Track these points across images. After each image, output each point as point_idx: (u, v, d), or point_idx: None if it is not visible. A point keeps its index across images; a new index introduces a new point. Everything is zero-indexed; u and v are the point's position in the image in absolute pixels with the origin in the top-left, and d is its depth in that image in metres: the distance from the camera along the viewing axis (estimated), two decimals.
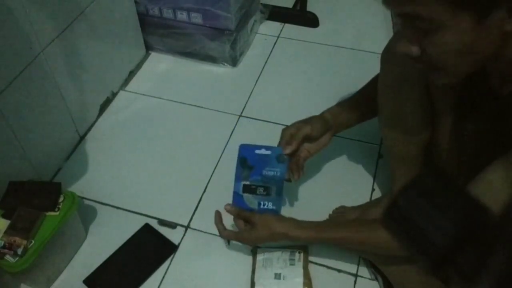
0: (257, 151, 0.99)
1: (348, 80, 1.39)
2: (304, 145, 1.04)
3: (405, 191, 0.69)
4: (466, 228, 0.59)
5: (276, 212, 0.97)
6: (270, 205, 0.98)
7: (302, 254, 1.07)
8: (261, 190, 0.98)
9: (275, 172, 0.99)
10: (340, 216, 1.14)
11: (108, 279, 1.09)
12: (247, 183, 0.99)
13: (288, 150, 0.99)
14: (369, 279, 1.07)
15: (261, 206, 0.98)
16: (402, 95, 0.91)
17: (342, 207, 1.17)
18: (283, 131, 1.02)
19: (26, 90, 1.12)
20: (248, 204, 0.98)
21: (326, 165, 1.30)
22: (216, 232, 1.01)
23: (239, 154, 1.00)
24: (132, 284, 1.08)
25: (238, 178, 1.00)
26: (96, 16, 1.32)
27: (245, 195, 0.99)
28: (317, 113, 1.08)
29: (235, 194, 0.99)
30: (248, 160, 1.00)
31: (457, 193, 0.66)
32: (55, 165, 1.31)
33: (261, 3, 1.74)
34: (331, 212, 1.18)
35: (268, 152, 0.99)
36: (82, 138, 1.39)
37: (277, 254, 1.07)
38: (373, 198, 1.22)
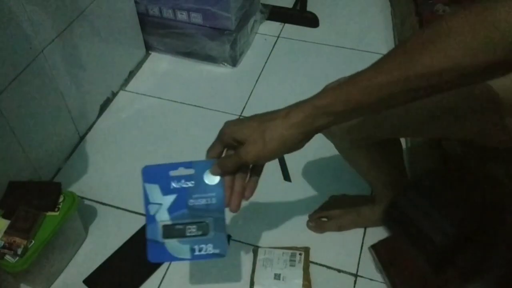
0: (172, 173, 0.66)
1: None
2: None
3: (405, 191, 0.69)
4: (466, 228, 0.59)
5: (221, 257, 0.65)
6: (210, 249, 0.65)
7: (303, 255, 1.07)
8: (192, 229, 0.66)
9: (209, 199, 0.66)
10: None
11: (108, 279, 1.08)
12: (168, 222, 0.65)
13: (213, 155, 0.66)
14: (369, 279, 1.07)
15: (197, 253, 0.65)
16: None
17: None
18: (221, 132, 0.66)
19: (26, 90, 1.12)
20: (176, 254, 0.65)
21: (325, 165, 1.30)
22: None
23: (144, 184, 0.67)
24: (132, 284, 1.07)
25: (150, 219, 0.66)
26: (96, 16, 1.32)
27: (169, 241, 0.65)
28: None
29: (151, 243, 0.65)
30: (161, 188, 0.66)
31: (457, 194, 0.66)
32: (55, 165, 1.31)
33: (261, 3, 1.74)
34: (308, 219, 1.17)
35: (191, 171, 0.66)
36: (82, 138, 1.39)
37: (277, 254, 1.07)
38: None
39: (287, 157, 1.34)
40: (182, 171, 0.66)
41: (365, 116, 0.78)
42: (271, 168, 1.26)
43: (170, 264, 1.11)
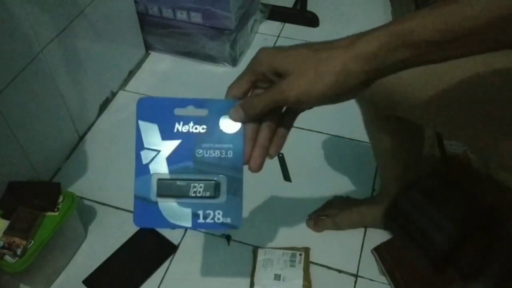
0: (178, 111, 0.50)
1: None
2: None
3: (406, 192, 0.69)
4: (467, 229, 0.59)
5: (232, 228, 0.50)
6: (219, 217, 0.50)
7: (303, 256, 1.07)
8: (197, 188, 0.50)
9: (223, 152, 0.50)
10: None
11: (107, 279, 1.08)
12: (165, 176, 0.50)
13: (237, 94, 0.50)
14: (370, 279, 1.07)
15: (200, 220, 0.50)
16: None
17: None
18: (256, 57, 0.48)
19: (26, 90, 1.12)
20: (172, 220, 0.50)
21: (325, 165, 1.29)
22: (216, 232, 1.01)
23: (138, 122, 0.51)
24: (132, 284, 1.07)
25: (142, 169, 0.50)
26: (96, 16, 1.32)
27: (164, 201, 0.49)
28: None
29: (140, 202, 0.50)
30: (161, 130, 0.50)
31: (458, 194, 0.66)
32: (55, 165, 1.30)
33: (261, 3, 1.73)
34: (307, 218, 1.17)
35: (203, 112, 0.50)
36: (81, 138, 1.39)
37: (278, 254, 1.07)
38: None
39: (287, 157, 1.34)
40: (191, 111, 0.51)
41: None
42: (271, 168, 1.26)
43: (170, 264, 1.11)
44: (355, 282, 1.07)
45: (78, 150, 1.36)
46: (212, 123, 0.50)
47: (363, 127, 0.96)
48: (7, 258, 0.94)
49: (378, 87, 0.74)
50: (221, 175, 0.50)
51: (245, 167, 0.50)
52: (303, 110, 0.50)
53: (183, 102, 0.50)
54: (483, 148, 0.73)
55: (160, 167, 0.50)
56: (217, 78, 1.58)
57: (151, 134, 0.50)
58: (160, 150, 0.50)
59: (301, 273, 1.04)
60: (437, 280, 0.62)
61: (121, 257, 1.11)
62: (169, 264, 1.11)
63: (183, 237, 1.15)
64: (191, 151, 0.50)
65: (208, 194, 0.50)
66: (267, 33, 1.74)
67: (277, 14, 1.77)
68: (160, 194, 0.49)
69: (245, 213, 1.17)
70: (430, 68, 0.54)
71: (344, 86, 0.44)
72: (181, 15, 1.53)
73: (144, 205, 0.50)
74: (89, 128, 1.42)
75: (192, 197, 0.50)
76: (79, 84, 1.33)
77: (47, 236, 0.98)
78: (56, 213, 1.01)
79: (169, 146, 0.50)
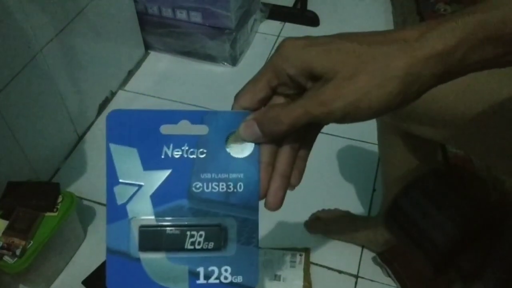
0: (166, 128, 0.36)
1: None
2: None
3: (406, 192, 0.69)
4: (467, 229, 0.58)
5: None
6: (227, 275, 0.36)
7: (303, 256, 1.06)
8: (196, 237, 0.36)
9: (231, 184, 0.37)
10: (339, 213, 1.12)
11: None
12: (149, 221, 0.36)
13: (249, 103, 0.36)
14: (370, 280, 1.07)
15: (201, 281, 0.36)
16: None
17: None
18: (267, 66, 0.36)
19: (25, 89, 1.11)
20: (160, 282, 0.36)
21: (325, 165, 1.29)
22: None
23: (108, 145, 0.36)
24: None
25: (116, 212, 0.36)
26: (95, 15, 1.31)
27: (149, 257, 0.36)
28: None
29: (114, 257, 0.36)
30: (141, 157, 0.36)
31: (459, 194, 0.66)
32: (54, 165, 1.30)
33: (261, 2, 1.73)
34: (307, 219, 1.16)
35: (202, 129, 0.36)
36: (80, 138, 1.39)
37: (278, 255, 1.07)
38: (374, 199, 1.22)
39: None
40: (185, 127, 0.36)
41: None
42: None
43: None
44: (356, 283, 1.07)
45: (78, 150, 1.36)
46: (214, 144, 0.36)
47: (364, 127, 0.96)
48: (6, 258, 0.94)
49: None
50: (228, 217, 0.36)
51: (261, 204, 0.37)
52: (328, 123, 0.35)
53: (174, 116, 0.36)
54: (495, 163, 0.70)
55: (141, 209, 0.36)
56: (217, 77, 1.57)
57: (129, 162, 0.36)
58: (141, 185, 0.36)
59: (301, 273, 1.03)
60: (433, 278, 0.61)
61: None
62: None
63: None
64: (186, 185, 0.36)
65: (211, 245, 0.36)
66: (267, 33, 1.74)
67: (277, 13, 1.77)
68: (143, 247, 0.35)
69: None
70: (458, 82, 0.51)
71: (409, 95, 0.32)
72: (181, 15, 1.53)
73: (121, 262, 0.36)
74: (88, 128, 1.42)
75: (189, 250, 0.36)
76: (78, 84, 1.32)
77: (46, 236, 0.97)
78: (55, 214, 1.01)
79: (155, 178, 0.36)
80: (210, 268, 0.36)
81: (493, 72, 0.46)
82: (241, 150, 0.36)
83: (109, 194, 0.36)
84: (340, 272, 1.08)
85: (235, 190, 0.36)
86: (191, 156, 0.36)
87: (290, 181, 0.38)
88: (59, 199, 1.03)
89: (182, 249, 0.36)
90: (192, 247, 0.36)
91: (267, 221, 1.17)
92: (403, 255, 1.03)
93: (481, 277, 0.59)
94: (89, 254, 1.12)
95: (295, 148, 0.37)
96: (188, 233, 0.36)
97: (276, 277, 1.03)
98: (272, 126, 0.34)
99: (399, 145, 0.85)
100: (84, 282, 1.07)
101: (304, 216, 1.17)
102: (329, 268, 1.09)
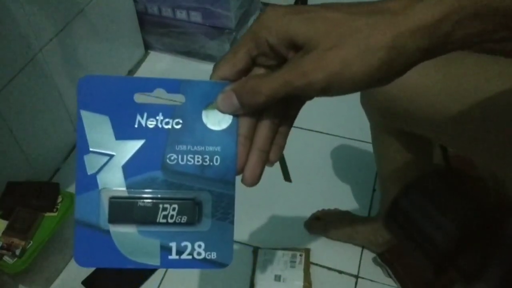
0: (140, 97, 0.35)
1: None
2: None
3: (406, 192, 0.68)
4: (468, 229, 0.58)
5: (219, 267, 0.35)
6: (201, 251, 0.35)
7: (303, 257, 1.06)
8: (169, 210, 0.35)
9: (207, 157, 0.35)
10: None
11: (107, 280, 1.08)
12: (120, 193, 0.34)
13: (228, 74, 0.35)
14: (371, 280, 1.06)
15: (173, 256, 0.35)
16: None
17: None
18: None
19: (24, 89, 1.11)
20: (131, 256, 0.34)
21: (325, 165, 1.29)
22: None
23: (79, 112, 0.34)
24: (131, 285, 1.07)
25: (85, 181, 0.34)
26: (95, 15, 1.31)
27: (119, 230, 0.34)
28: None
29: (83, 229, 0.34)
30: (113, 125, 0.34)
31: (459, 194, 0.66)
32: (54, 165, 1.30)
33: (261, 2, 1.73)
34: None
35: (177, 98, 0.35)
36: None
37: (278, 255, 1.06)
38: (374, 199, 1.22)
39: (287, 156, 1.33)
40: (160, 95, 0.38)
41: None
42: (271, 167, 1.25)
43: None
44: (356, 283, 1.06)
45: None
46: (190, 115, 0.35)
47: (364, 127, 0.96)
48: (6, 258, 0.94)
49: (391, 100, 0.72)
50: (203, 192, 0.35)
51: (237, 180, 0.35)
52: (311, 98, 0.35)
53: (148, 84, 0.34)
54: (493, 165, 0.71)
55: (112, 179, 0.34)
56: None
57: (100, 130, 0.34)
58: (113, 155, 0.34)
59: (302, 274, 1.03)
60: (433, 279, 0.61)
61: None
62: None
63: None
64: (160, 156, 0.34)
65: (184, 219, 0.34)
66: None
67: None
68: (113, 220, 0.34)
69: (245, 214, 1.17)
70: (446, 81, 0.50)
71: (393, 68, 0.30)
72: (181, 14, 1.53)
73: (89, 235, 0.34)
74: None
75: (162, 224, 0.34)
76: None
77: (46, 236, 0.97)
78: (55, 214, 1.01)
79: (127, 148, 0.34)
80: (183, 244, 0.35)
81: (483, 71, 0.45)
82: (219, 122, 0.35)
83: (79, 163, 0.34)
84: (340, 272, 1.08)
85: (211, 164, 0.35)
86: (166, 127, 0.34)
87: (269, 157, 0.36)
88: (59, 199, 1.03)
89: (154, 222, 0.34)
90: (164, 220, 0.34)
91: (267, 221, 1.17)
92: (404, 256, 1.03)
93: (482, 277, 0.59)
94: None
95: (275, 123, 0.35)
96: (161, 206, 0.34)
97: (276, 277, 1.03)
98: (250, 97, 0.33)
99: (392, 144, 0.85)
100: (84, 282, 1.07)
101: (304, 216, 1.17)
102: (329, 268, 1.09)
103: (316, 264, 1.09)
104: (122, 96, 0.34)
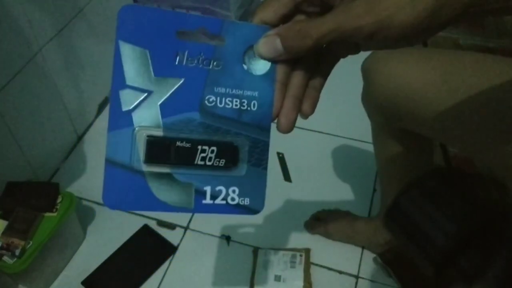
0: (182, 34, 0.33)
1: (348, 78, 1.38)
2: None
3: (407, 191, 0.68)
4: (468, 229, 0.58)
5: (251, 213, 0.36)
6: (234, 197, 0.34)
7: (303, 257, 1.06)
8: (208, 152, 0.34)
9: (245, 102, 0.34)
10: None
11: (106, 280, 1.08)
12: (158, 132, 0.33)
13: (270, 18, 0.34)
14: (371, 280, 1.06)
15: (207, 201, 0.34)
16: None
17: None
18: None
19: (24, 89, 1.11)
20: (164, 198, 0.33)
21: (325, 165, 1.29)
22: (216, 233, 0.99)
23: (118, 43, 0.34)
24: (131, 285, 1.07)
25: (119, 118, 0.32)
26: (95, 15, 1.31)
27: (154, 171, 0.33)
28: (317, 110, 1.05)
29: (115, 170, 0.32)
30: (153, 60, 0.33)
31: (459, 194, 0.65)
32: (53, 166, 1.30)
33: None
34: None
35: (218, 41, 0.34)
36: (80, 138, 1.38)
37: (278, 255, 1.06)
38: (374, 199, 1.21)
39: (287, 157, 1.33)
40: (200, 36, 0.34)
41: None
42: (271, 167, 1.25)
43: (169, 265, 1.10)
44: (356, 283, 1.06)
45: (77, 150, 1.36)
46: (230, 57, 0.33)
47: (364, 127, 0.96)
48: (6, 259, 0.93)
49: (392, 99, 0.73)
50: (240, 136, 0.34)
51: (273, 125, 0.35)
52: (345, 56, 0.38)
53: (191, 20, 0.33)
54: (492, 163, 0.71)
55: (149, 118, 0.32)
56: None
57: (138, 64, 0.32)
58: (151, 91, 0.32)
59: (302, 274, 1.03)
60: (433, 279, 0.61)
61: (120, 258, 1.11)
62: (169, 265, 1.10)
63: (182, 238, 1.15)
64: (199, 97, 0.33)
65: (222, 162, 0.33)
66: None
67: None
68: (149, 160, 0.32)
69: None
70: (446, 79, 0.49)
71: (437, 19, 0.31)
72: None
73: (121, 175, 0.32)
74: (88, 128, 1.41)
75: (198, 166, 0.33)
76: (78, 84, 1.32)
77: (46, 236, 0.97)
78: (55, 214, 1.00)
79: (166, 86, 0.33)
80: (218, 188, 0.34)
81: (483, 69, 0.46)
82: (258, 67, 0.34)
83: (113, 98, 0.32)
84: (340, 272, 1.08)
85: (248, 108, 0.34)
86: (206, 67, 0.33)
87: (303, 109, 0.36)
88: (59, 199, 1.02)
89: (191, 164, 0.33)
90: (202, 162, 0.33)
91: (267, 221, 1.17)
92: (404, 256, 1.03)
93: (482, 277, 0.59)
94: (89, 255, 1.12)
95: (310, 72, 0.35)
96: (200, 147, 0.33)
97: (276, 278, 1.03)
98: (298, 40, 0.32)
99: (393, 143, 0.85)
100: (83, 283, 1.07)
101: (304, 216, 1.16)
102: (329, 269, 1.08)
103: (316, 264, 1.09)
104: (164, 30, 0.32)
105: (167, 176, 0.33)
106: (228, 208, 0.34)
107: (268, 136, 0.35)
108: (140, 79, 0.32)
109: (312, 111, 0.37)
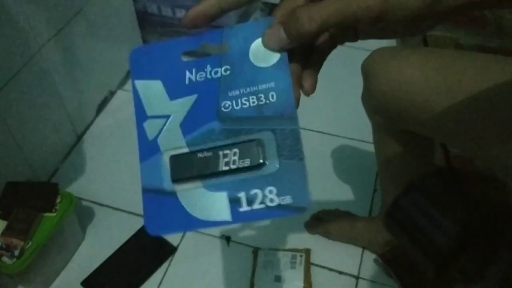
0: (187, 56, 0.36)
1: (348, 78, 1.38)
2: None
3: (407, 192, 0.68)
4: (469, 229, 0.58)
5: (298, 212, 0.30)
6: (273, 198, 0.31)
7: (303, 257, 1.06)
8: (230, 155, 0.32)
9: (262, 96, 0.33)
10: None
11: (106, 281, 1.08)
12: (182, 150, 0.33)
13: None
14: (371, 281, 1.06)
15: (244, 208, 0.31)
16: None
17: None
18: None
19: (24, 89, 1.11)
20: (200, 215, 0.31)
21: (325, 165, 1.29)
22: (216, 233, 0.99)
23: (134, 83, 0.35)
24: (131, 286, 1.07)
25: (147, 148, 0.34)
26: (94, 14, 1.31)
27: (183, 188, 0.32)
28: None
29: (150, 196, 0.33)
30: (166, 87, 0.35)
31: (460, 194, 0.65)
32: (53, 166, 1.29)
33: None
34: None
35: (222, 48, 0.35)
36: (79, 138, 1.38)
37: (278, 256, 1.06)
38: (374, 199, 1.21)
39: None
40: (207, 49, 0.36)
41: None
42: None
43: (169, 266, 1.10)
44: (356, 283, 1.06)
45: (76, 150, 1.35)
46: (238, 59, 0.34)
47: (364, 127, 0.95)
48: (5, 259, 0.93)
49: (391, 99, 0.72)
50: (263, 131, 0.32)
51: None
52: (334, 47, 0.37)
53: (193, 41, 0.35)
54: (492, 163, 0.70)
55: (173, 140, 0.33)
56: None
57: (155, 95, 0.34)
58: (169, 115, 0.34)
59: (302, 274, 1.03)
60: (433, 279, 0.61)
61: (119, 259, 1.10)
62: (168, 266, 1.10)
63: (182, 238, 1.15)
64: (214, 106, 0.33)
65: (247, 162, 0.31)
66: None
67: None
68: (176, 177, 0.32)
69: None
70: (446, 80, 0.49)
71: (440, 5, 0.31)
72: (180, 14, 1.52)
73: (156, 201, 0.32)
74: (87, 128, 1.41)
75: (225, 173, 0.32)
76: (77, 84, 1.32)
77: (45, 237, 0.97)
78: (54, 214, 1.00)
79: (182, 106, 0.34)
80: (253, 191, 0.31)
81: (483, 69, 0.46)
82: (267, 59, 0.33)
83: (139, 131, 0.34)
84: (340, 273, 1.08)
85: (267, 101, 0.33)
86: (216, 76, 0.34)
87: (303, 85, 0.36)
88: (58, 200, 1.02)
89: (216, 172, 0.32)
90: (227, 167, 0.32)
91: (267, 222, 1.17)
92: (404, 256, 1.03)
93: (483, 277, 0.58)
94: (88, 255, 1.12)
95: (303, 59, 0.35)
96: (221, 152, 0.32)
97: (276, 278, 1.03)
98: (301, 26, 0.31)
99: (393, 144, 0.85)
100: (83, 283, 1.07)
101: (304, 216, 1.16)
102: (329, 269, 1.08)
103: (317, 265, 1.08)
104: (170, 58, 0.35)
105: (198, 191, 0.32)
106: (269, 212, 0.31)
107: (296, 123, 0.32)
108: (159, 108, 0.34)
109: (313, 90, 0.37)
